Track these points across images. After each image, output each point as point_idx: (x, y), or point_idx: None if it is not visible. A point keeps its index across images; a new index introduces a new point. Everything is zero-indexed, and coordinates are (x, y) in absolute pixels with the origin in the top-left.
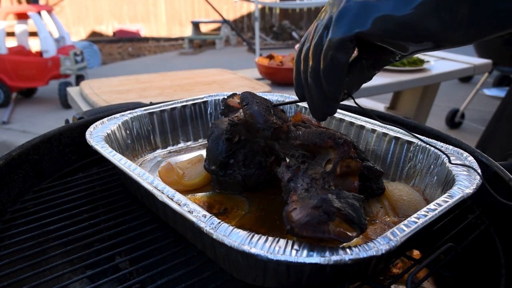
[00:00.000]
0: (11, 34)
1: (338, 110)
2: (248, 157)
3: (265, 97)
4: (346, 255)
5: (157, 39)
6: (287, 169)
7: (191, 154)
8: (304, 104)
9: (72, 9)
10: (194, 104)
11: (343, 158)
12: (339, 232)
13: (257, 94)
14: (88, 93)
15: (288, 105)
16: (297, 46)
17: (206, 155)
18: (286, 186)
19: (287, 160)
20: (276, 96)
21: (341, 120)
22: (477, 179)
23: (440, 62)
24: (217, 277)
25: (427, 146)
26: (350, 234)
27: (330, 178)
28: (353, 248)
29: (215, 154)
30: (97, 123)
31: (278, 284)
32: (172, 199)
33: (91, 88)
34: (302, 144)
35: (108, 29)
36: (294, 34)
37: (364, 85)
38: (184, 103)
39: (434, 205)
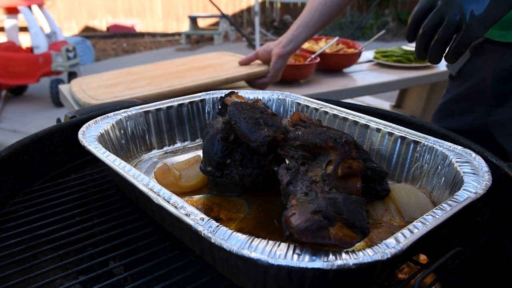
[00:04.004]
0: (0, 29)
1: (341, 109)
2: (245, 156)
3: (265, 95)
4: (350, 260)
5: (153, 35)
6: (286, 171)
7: (188, 155)
8: (301, 101)
9: (64, 3)
10: (191, 103)
11: (344, 158)
12: (340, 237)
13: (245, 100)
14: (75, 90)
15: (289, 104)
16: None
17: (202, 156)
18: (285, 190)
19: (287, 161)
20: (276, 94)
21: (345, 119)
22: (486, 181)
23: None
24: (216, 283)
25: (434, 146)
26: (352, 239)
27: (331, 180)
28: (358, 253)
29: (211, 154)
30: (90, 122)
31: None
32: (168, 202)
33: (80, 85)
34: (302, 145)
35: (101, 24)
36: None
37: (369, 83)
38: (181, 102)
39: (441, 207)
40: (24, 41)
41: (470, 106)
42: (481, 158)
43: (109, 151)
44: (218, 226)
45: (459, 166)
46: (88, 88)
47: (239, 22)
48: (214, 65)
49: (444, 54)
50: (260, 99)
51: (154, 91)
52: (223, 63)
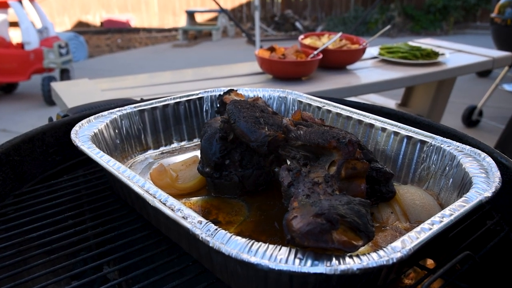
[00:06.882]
0: None
1: (344, 108)
2: (245, 156)
3: (266, 93)
4: (354, 265)
5: (148, 30)
6: (287, 172)
7: (185, 155)
8: (303, 99)
9: None
10: (188, 101)
11: (348, 159)
12: (343, 241)
13: (244, 99)
14: None
15: (290, 103)
16: (301, 37)
17: (200, 157)
18: (286, 192)
19: (288, 162)
20: (277, 92)
21: (348, 117)
22: (496, 182)
23: (456, 55)
24: None
25: (442, 146)
26: (356, 243)
27: (334, 181)
28: (362, 257)
29: (209, 154)
30: (83, 121)
31: None
32: (165, 204)
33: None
34: (304, 145)
35: (95, 19)
36: (297, 24)
37: (373, 80)
38: (178, 100)
39: (449, 210)
40: (15, 36)
41: None
42: (491, 159)
43: (103, 151)
44: (216, 229)
45: (468, 167)
46: None
47: (239, 17)
48: None
49: None
50: (260, 97)
51: None
52: None
